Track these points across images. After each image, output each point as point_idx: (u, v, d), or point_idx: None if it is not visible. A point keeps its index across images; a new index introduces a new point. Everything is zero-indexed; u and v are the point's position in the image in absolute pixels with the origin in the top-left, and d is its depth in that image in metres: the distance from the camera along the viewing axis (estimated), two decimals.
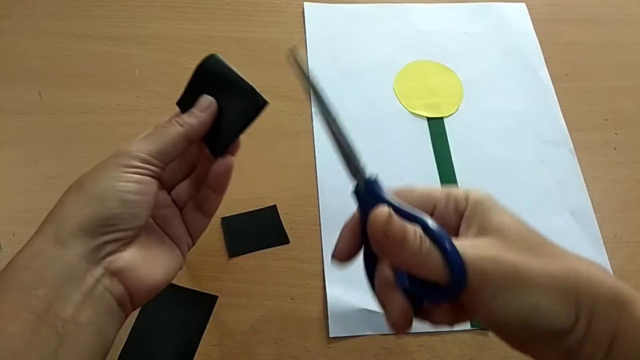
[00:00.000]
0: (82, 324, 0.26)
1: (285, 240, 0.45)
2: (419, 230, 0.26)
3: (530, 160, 0.52)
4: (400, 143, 0.52)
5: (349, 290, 0.43)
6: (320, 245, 0.45)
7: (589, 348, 0.25)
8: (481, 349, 0.42)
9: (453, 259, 0.25)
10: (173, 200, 0.35)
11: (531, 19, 0.61)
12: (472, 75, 0.57)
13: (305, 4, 0.60)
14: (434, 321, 0.29)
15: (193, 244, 0.35)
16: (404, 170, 0.50)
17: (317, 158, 0.50)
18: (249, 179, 0.48)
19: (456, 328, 0.42)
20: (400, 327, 0.28)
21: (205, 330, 0.41)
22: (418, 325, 0.42)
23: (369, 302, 0.43)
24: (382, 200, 0.28)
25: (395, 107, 0.54)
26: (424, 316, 0.29)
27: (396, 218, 0.25)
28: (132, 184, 0.29)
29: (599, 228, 0.48)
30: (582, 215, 0.49)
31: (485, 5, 0.62)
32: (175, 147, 0.31)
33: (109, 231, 0.28)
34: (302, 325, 0.42)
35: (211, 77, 0.34)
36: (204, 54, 0.58)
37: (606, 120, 0.55)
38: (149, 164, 0.30)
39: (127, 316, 0.30)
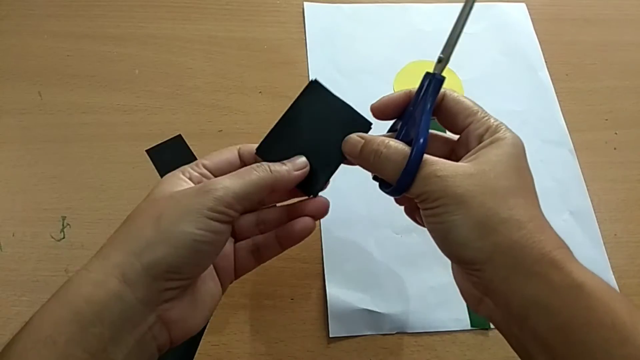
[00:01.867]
0: None
1: None
2: (385, 142, 0.30)
3: (530, 160, 0.51)
4: None
5: (349, 290, 0.43)
6: (320, 245, 0.45)
7: (505, 292, 0.27)
8: (481, 349, 0.42)
9: (409, 169, 0.29)
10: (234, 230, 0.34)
11: (531, 19, 0.61)
12: (472, 75, 0.57)
13: (305, 4, 0.60)
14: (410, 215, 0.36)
15: (234, 280, 0.34)
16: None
17: None
18: None
19: (454, 328, 0.42)
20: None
21: (205, 330, 0.41)
22: (418, 325, 0.42)
23: (369, 302, 0.43)
24: (426, 96, 0.32)
25: None
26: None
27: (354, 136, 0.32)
28: (209, 234, 0.27)
29: (599, 228, 0.48)
30: (582, 215, 0.49)
31: (485, 5, 0.62)
32: (260, 192, 0.30)
33: (174, 278, 0.27)
34: (302, 325, 0.42)
35: (311, 111, 0.34)
36: (204, 54, 0.58)
37: (606, 120, 0.55)
38: (230, 209, 0.28)
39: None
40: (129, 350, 0.26)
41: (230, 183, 0.29)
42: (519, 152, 0.31)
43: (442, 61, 0.32)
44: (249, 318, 0.42)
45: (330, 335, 0.41)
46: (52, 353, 0.24)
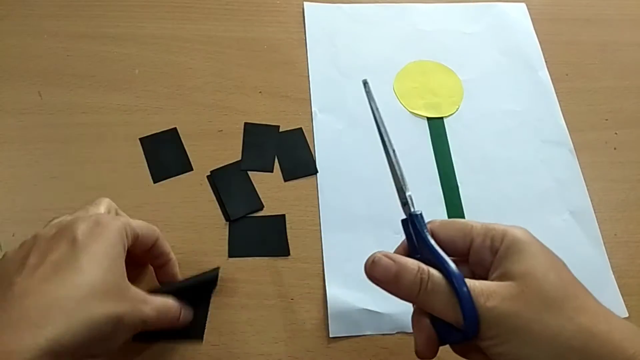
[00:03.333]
0: None
1: (286, 253, 0.45)
2: (426, 271, 0.28)
3: (530, 160, 0.52)
4: (400, 143, 0.51)
5: (349, 290, 0.43)
6: (320, 245, 0.45)
7: None
8: None
9: (466, 304, 0.27)
10: None
11: (531, 19, 0.61)
12: (472, 75, 0.57)
13: (305, 4, 0.60)
14: (462, 355, 0.31)
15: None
16: (404, 170, 0.50)
17: (317, 157, 0.50)
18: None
19: None
20: (423, 354, 0.30)
21: (205, 330, 0.41)
22: None
23: (369, 302, 0.43)
24: (420, 235, 0.31)
25: (395, 107, 0.54)
26: (455, 349, 0.31)
27: (385, 259, 0.29)
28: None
29: (599, 228, 0.48)
30: (582, 215, 0.49)
31: (485, 5, 0.62)
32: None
33: None
34: (302, 325, 0.42)
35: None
36: (204, 54, 0.58)
37: (606, 120, 0.55)
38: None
39: None
40: None
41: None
42: (533, 242, 0.29)
43: (407, 203, 0.33)
44: (249, 318, 0.42)
45: (330, 335, 0.41)
46: None
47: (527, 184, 0.50)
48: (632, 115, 0.55)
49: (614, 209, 0.49)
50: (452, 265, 0.28)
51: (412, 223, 0.32)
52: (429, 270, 0.28)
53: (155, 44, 0.56)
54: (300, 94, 0.54)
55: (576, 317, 0.26)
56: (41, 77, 0.52)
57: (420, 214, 0.32)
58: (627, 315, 0.44)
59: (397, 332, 0.42)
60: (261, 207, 0.46)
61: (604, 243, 0.47)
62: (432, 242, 0.30)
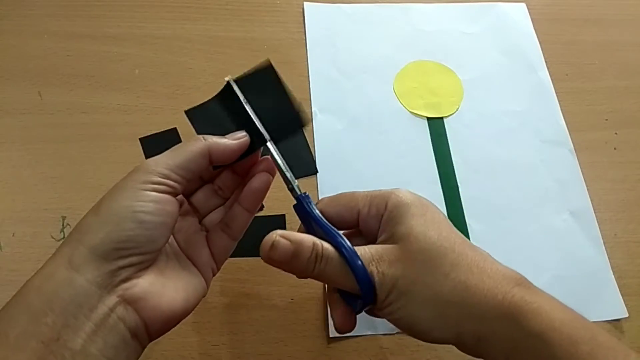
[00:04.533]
0: (92, 355, 0.25)
1: None
2: (320, 245, 0.29)
3: (530, 160, 0.52)
4: (400, 143, 0.52)
5: None
6: None
7: (488, 354, 0.27)
8: None
9: (357, 270, 0.28)
10: (203, 225, 0.34)
11: (531, 19, 0.61)
12: (472, 75, 0.57)
13: (305, 4, 0.60)
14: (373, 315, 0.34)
15: (217, 270, 0.34)
16: (404, 170, 0.50)
17: (317, 157, 0.50)
18: None
19: None
20: (342, 329, 0.32)
21: (205, 331, 0.41)
22: None
23: None
24: (310, 215, 0.31)
25: (395, 107, 0.54)
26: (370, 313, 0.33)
27: (283, 241, 0.28)
28: (149, 204, 0.27)
29: (599, 228, 0.48)
30: (582, 215, 0.49)
31: (485, 5, 0.62)
32: (195, 160, 0.30)
33: (124, 255, 0.26)
34: (302, 325, 0.42)
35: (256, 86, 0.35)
36: (204, 54, 0.58)
37: (606, 120, 0.55)
38: (167, 179, 0.28)
39: (143, 348, 0.28)
40: (89, 335, 0.25)
41: (161, 157, 0.29)
42: (417, 204, 0.30)
43: (293, 189, 0.32)
44: (249, 318, 0.42)
45: (330, 336, 0.41)
46: (3, 346, 0.24)
47: (527, 184, 0.50)
48: (632, 115, 0.56)
49: (614, 209, 0.49)
50: (342, 236, 0.29)
51: (302, 205, 0.32)
52: (322, 244, 0.29)
53: (155, 44, 0.56)
54: (300, 94, 0.54)
55: (452, 272, 0.28)
56: (41, 77, 0.52)
57: (307, 195, 0.32)
58: (626, 315, 0.44)
59: (397, 332, 0.42)
60: (261, 207, 0.46)
61: (604, 243, 0.47)
62: (323, 219, 0.31)
